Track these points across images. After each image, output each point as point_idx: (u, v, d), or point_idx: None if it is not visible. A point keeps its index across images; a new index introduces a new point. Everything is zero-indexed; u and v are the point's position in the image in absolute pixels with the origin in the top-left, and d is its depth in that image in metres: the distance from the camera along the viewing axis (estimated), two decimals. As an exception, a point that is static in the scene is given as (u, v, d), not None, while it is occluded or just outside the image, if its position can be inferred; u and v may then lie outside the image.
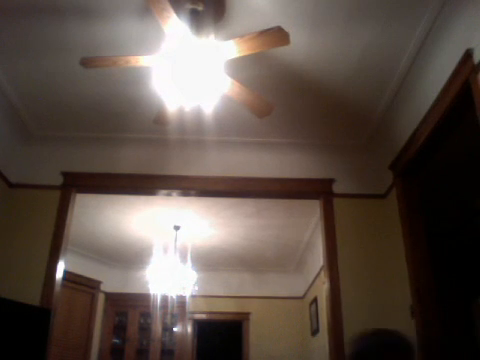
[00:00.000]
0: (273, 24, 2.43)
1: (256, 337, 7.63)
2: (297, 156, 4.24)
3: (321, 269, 5.39)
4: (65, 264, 3.96)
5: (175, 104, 2.90)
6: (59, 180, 4.07)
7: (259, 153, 4.22)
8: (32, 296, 3.58)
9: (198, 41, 2.55)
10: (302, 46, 3.04)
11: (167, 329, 7.81)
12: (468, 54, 2.53)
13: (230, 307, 7.75)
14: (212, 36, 2.61)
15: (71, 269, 6.16)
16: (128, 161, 4.17)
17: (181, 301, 7.06)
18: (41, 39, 3.04)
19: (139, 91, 3.50)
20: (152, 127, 3.70)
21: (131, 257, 7.36)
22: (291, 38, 2.46)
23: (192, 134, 4.06)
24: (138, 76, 3.29)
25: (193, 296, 6.94)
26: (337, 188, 4.14)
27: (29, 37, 3.03)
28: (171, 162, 4.19)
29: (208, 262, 7.35)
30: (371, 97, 3.59)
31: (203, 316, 7.86)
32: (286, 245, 6.76)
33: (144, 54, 2.73)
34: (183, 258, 6.19)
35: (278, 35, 2.42)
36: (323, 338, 5.54)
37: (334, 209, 4.06)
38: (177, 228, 6.04)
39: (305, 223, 5.89)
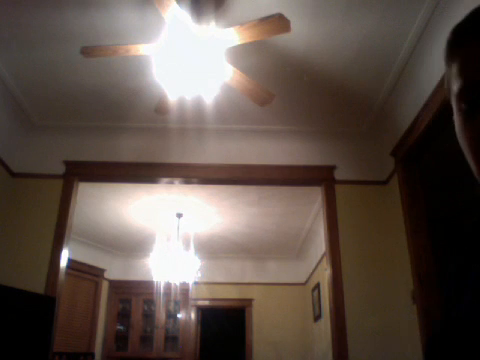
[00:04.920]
0: (273, 12, 2.43)
1: (259, 323, 7.70)
2: (298, 143, 4.24)
3: (323, 255, 5.42)
4: (69, 253, 3.99)
5: (176, 93, 2.90)
6: (61, 169, 4.08)
7: (260, 141, 4.23)
8: (37, 284, 3.62)
9: (198, 29, 2.55)
10: (302, 34, 3.03)
11: (171, 316, 7.88)
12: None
13: (233, 294, 7.81)
14: (213, 24, 2.60)
15: (75, 257, 6.21)
16: (130, 150, 4.18)
17: (184, 288, 7.12)
18: (41, 29, 3.03)
19: (140, 80, 3.50)
20: (153, 116, 3.71)
21: (134, 245, 7.40)
22: (291, 26, 2.46)
23: (193, 123, 4.07)
24: (139, 65, 3.29)
25: (196, 283, 7.00)
26: (338, 175, 4.15)
27: (29, 27, 3.02)
28: (172, 151, 4.20)
29: (210, 249, 7.39)
30: (372, 84, 3.59)
31: (206, 303, 7.92)
32: (288, 232, 6.79)
33: (144, 43, 2.73)
34: (186, 245, 6.23)
35: (279, 23, 2.41)
36: (325, 324, 5.59)
37: (336, 196, 4.07)
38: (179, 216, 6.06)
39: (306, 210, 5.91)
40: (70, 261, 4.53)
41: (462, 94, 0.57)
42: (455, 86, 0.59)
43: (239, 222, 6.37)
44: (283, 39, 2.98)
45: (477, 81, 0.55)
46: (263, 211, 5.96)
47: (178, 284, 6.47)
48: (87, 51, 2.73)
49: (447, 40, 0.62)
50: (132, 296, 7.81)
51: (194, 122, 4.05)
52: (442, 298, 3.19)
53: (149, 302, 7.78)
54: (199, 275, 6.43)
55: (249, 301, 7.84)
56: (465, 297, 0.56)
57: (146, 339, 7.68)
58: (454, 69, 0.59)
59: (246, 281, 7.88)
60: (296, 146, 4.24)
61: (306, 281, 7.53)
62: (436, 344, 0.62)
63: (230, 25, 2.61)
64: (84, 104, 3.90)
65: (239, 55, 3.03)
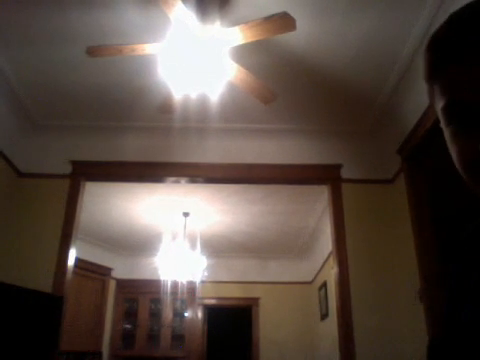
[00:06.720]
0: (277, 11, 2.42)
1: (265, 322, 7.71)
2: (304, 142, 4.24)
3: (329, 254, 5.41)
4: (76, 252, 4.01)
5: (180, 92, 2.90)
6: (68, 169, 4.10)
7: (265, 140, 4.22)
8: (44, 283, 3.64)
9: (203, 28, 2.55)
10: (304, 32, 3.02)
11: (177, 315, 7.90)
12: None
13: (239, 292, 7.82)
14: (217, 23, 2.60)
15: (82, 257, 6.23)
16: (135, 149, 4.19)
17: (191, 287, 7.13)
18: (46, 29, 3.04)
19: (144, 79, 3.50)
20: (158, 115, 3.71)
21: (141, 244, 7.42)
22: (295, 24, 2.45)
23: (197, 122, 4.07)
24: (143, 64, 3.30)
25: (202, 282, 7.01)
26: (344, 173, 4.14)
27: (34, 27, 3.03)
28: (178, 150, 4.20)
29: (216, 248, 7.40)
30: (377, 81, 3.57)
31: (213, 301, 7.93)
32: (294, 231, 6.79)
33: (149, 42, 2.73)
34: (192, 244, 6.24)
35: (284, 21, 2.41)
36: (332, 322, 5.58)
37: (342, 194, 4.06)
38: (186, 215, 6.07)
39: (311, 209, 5.90)
40: (77, 260, 4.55)
41: (447, 111, 0.61)
42: (440, 104, 0.62)
43: (246, 221, 6.38)
44: (285, 38, 2.97)
45: (460, 100, 0.58)
46: (268, 209, 5.96)
47: (185, 283, 6.49)
48: (92, 51, 2.73)
49: (427, 59, 0.63)
50: (139, 295, 7.83)
51: (199, 121, 4.05)
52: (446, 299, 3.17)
53: (156, 301, 7.80)
54: (205, 274, 6.44)
55: (256, 300, 7.84)
56: (467, 301, 0.56)
57: (153, 338, 7.71)
58: (437, 88, 0.62)
59: (253, 280, 7.89)
60: (302, 145, 4.23)
61: (312, 280, 7.52)
62: (438, 348, 0.62)
63: (234, 24, 2.61)
64: (89, 104, 3.91)
65: (243, 54, 3.03)
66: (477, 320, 0.52)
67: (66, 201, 3.98)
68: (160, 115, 3.60)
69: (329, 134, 4.22)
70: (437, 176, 4.02)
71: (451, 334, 0.58)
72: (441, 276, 3.30)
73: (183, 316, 7.88)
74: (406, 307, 3.61)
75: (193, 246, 6.24)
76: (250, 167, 4.15)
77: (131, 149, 4.19)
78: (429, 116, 3.16)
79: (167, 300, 7.58)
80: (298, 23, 2.78)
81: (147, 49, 2.70)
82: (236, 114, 3.97)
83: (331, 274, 5.23)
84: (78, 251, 4.25)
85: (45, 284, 3.64)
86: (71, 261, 3.87)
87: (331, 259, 4.64)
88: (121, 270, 7.79)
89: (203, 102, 3.48)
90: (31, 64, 3.42)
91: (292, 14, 2.42)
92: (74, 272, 4.14)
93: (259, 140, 4.22)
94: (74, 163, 4.12)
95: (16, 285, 3.26)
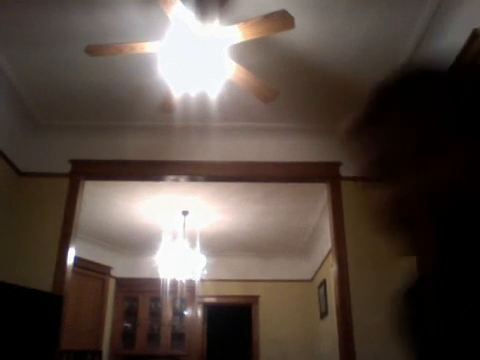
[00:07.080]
0: (275, 9, 2.42)
1: (265, 320, 7.71)
2: (304, 141, 4.24)
3: (329, 252, 5.42)
4: (75, 251, 4.01)
5: (180, 91, 2.90)
6: (67, 168, 4.10)
7: (265, 138, 4.22)
8: (44, 283, 3.64)
9: (203, 27, 2.55)
10: (305, 31, 3.02)
11: (177, 313, 7.90)
12: (475, 34, 2.50)
13: (239, 291, 7.82)
14: (217, 22, 2.60)
15: (81, 256, 6.23)
16: (135, 148, 4.19)
17: (190, 285, 7.13)
18: (46, 28, 3.04)
19: (144, 79, 3.50)
20: (158, 114, 3.71)
21: (140, 243, 7.41)
22: (296, 23, 2.45)
23: (197, 121, 4.07)
24: (143, 63, 3.30)
25: (202, 280, 7.01)
26: (344, 171, 4.14)
27: (34, 27, 3.03)
28: (178, 148, 4.20)
29: (216, 247, 7.40)
30: (376, 80, 3.56)
31: (212, 300, 7.93)
32: (293, 229, 6.79)
33: (149, 41, 2.73)
34: (192, 243, 6.24)
35: (283, 19, 2.41)
36: (332, 321, 5.59)
37: (341, 192, 4.06)
38: (185, 213, 6.07)
39: (312, 207, 5.90)
40: (77, 259, 4.55)
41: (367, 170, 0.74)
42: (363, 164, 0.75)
43: (246, 220, 6.38)
44: (288, 37, 2.97)
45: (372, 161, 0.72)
46: (269, 208, 5.96)
47: (184, 281, 6.49)
48: (92, 50, 2.74)
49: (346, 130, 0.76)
50: (139, 294, 7.83)
51: (199, 120, 4.05)
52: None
53: (156, 300, 7.79)
54: (205, 272, 6.44)
55: (255, 298, 7.84)
56: (467, 301, 0.57)
57: (153, 336, 7.70)
58: (372, 138, 0.74)
59: (252, 278, 7.88)
60: (301, 143, 4.23)
61: (312, 278, 7.52)
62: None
63: (234, 22, 2.61)
64: (89, 103, 3.91)
65: (243, 53, 3.03)
66: (477, 320, 0.53)
67: (66, 200, 3.98)
68: (160, 114, 3.60)
69: (329, 132, 4.22)
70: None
71: (453, 334, 0.60)
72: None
73: (183, 315, 7.88)
74: (406, 305, 3.61)
75: (193, 245, 6.24)
76: (250, 165, 4.15)
77: (131, 148, 4.19)
78: (429, 114, 3.16)
79: (167, 299, 7.58)
80: (299, 22, 2.78)
81: (147, 48, 2.70)
82: (236, 113, 3.97)
83: (330, 272, 5.23)
84: (78, 250, 4.26)
85: (45, 283, 3.64)
86: (71, 260, 3.88)
87: (331, 257, 4.65)
88: (121, 269, 7.78)
89: (203, 101, 3.48)
90: (32, 64, 3.42)
91: (293, 13, 2.42)
92: (74, 271, 4.15)
93: (259, 138, 4.22)
94: (73, 162, 4.12)
95: (16, 285, 3.26)
